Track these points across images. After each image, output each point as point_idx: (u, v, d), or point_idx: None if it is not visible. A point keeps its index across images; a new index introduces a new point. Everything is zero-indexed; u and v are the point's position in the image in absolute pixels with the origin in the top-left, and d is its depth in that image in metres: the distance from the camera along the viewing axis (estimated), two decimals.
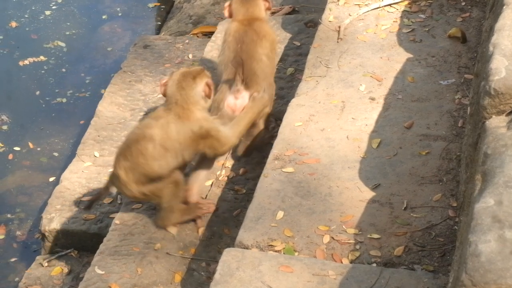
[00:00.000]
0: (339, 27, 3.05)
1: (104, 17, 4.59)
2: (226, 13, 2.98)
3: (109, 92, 3.74)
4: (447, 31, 3.01)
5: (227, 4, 2.98)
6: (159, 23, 4.56)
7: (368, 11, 3.11)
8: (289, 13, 3.66)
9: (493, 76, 2.10)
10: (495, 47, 2.19)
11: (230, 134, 2.64)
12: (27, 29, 4.51)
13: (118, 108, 3.68)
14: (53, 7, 4.64)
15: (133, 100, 3.71)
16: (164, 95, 2.70)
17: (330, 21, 3.10)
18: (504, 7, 2.32)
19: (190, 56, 3.88)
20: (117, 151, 2.73)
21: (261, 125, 2.91)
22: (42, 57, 4.32)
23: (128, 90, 3.76)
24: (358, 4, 3.15)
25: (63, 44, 4.41)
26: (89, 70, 4.27)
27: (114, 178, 2.72)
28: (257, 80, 2.79)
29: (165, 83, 2.70)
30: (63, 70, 4.26)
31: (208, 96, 2.64)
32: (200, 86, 2.63)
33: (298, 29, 3.52)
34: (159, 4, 4.70)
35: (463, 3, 3.13)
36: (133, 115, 3.64)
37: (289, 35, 3.47)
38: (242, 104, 2.79)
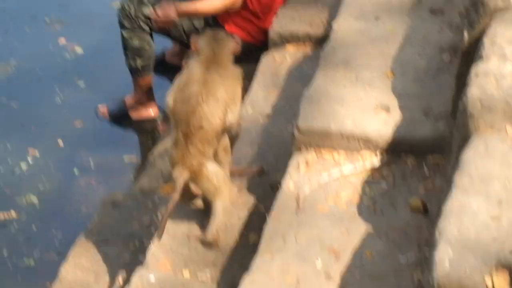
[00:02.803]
0: (298, 196, 2.93)
1: (79, 170, 4.50)
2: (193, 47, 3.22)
3: (73, 254, 3.61)
4: (409, 201, 2.88)
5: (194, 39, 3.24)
6: (134, 177, 4.47)
7: (329, 180, 2.99)
8: (257, 174, 3.54)
9: (437, 269, 1.96)
10: (440, 234, 2.06)
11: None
12: (0, 182, 4.41)
13: (82, 271, 3.54)
14: (29, 161, 4.56)
15: (98, 263, 3.57)
16: (196, 51, 3.10)
17: (290, 189, 2.98)
18: (454, 189, 2.20)
19: (159, 215, 3.74)
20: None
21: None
22: (13, 213, 4.21)
23: (93, 252, 3.63)
24: (319, 171, 3.03)
25: (35, 200, 4.31)
26: (61, 228, 4.14)
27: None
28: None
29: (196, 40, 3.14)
30: (33, 228, 4.14)
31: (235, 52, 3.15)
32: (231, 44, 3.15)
33: (263, 192, 3.38)
34: (135, 158, 4.62)
35: (426, 170, 3.01)
36: (95, 278, 3.50)
37: (252, 200, 3.34)
38: None
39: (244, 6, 4.49)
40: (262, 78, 4.17)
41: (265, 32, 4.46)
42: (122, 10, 4.58)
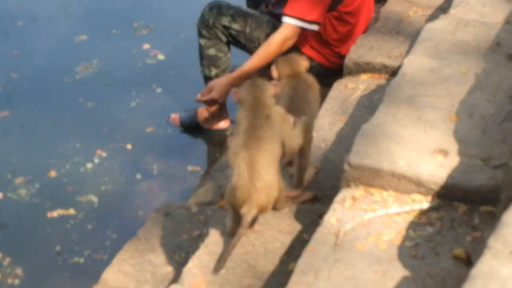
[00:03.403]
0: (339, 231, 2.84)
1: (142, 175, 4.51)
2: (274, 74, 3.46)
3: (118, 259, 3.61)
4: (454, 249, 2.76)
5: (273, 67, 3.50)
6: (194, 188, 4.45)
7: (373, 217, 2.89)
8: (310, 201, 3.47)
9: None
10: None
11: (296, 130, 3.18)
12: (64, 179, 4.45)
13: (124, 277, 3.52)
14: (95, 161, 4.59)
15: (141, 271, 3.56)
16: (239, 101, 3.13)
17: (331, 223, 2.89)
18: (486, 252, 2.08)
19: (210, 231, 3.71)
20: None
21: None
22: (71, 210, 4.24)
23: (139, 259, 3.61)
24: (365, 208, 2.94)
25: (95, 199, 4.33)
26: (115, 230, 4.15)
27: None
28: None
29: (237, 91, 3.14)
30: (89, 226, 4.16)
31: (276, 95, 3.15)
32: (271, 88, 3.15)
33: (311, 221, 3.31)
34: (198, 169, 4.60)
35: (477, 221, 2.88)
36: (136, 286, 3.48)
37: (299, 227, 3.27)
38: None
39: (319, 33, 4.42)
40: (331, 104, 4.10)
41: (342, 57, 4.39)
42: (202, 19, 4.58)
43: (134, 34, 5.65)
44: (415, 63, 3.49)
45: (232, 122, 4.80)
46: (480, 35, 3.64)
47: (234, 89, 3.28)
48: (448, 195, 2.93)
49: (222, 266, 3.06)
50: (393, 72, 4.10)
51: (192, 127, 4.83)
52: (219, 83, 4.43)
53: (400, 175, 2.95)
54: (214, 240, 3.25)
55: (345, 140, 3.80)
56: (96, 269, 3.86)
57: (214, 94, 4.41)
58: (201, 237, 3.66)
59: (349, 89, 4.17)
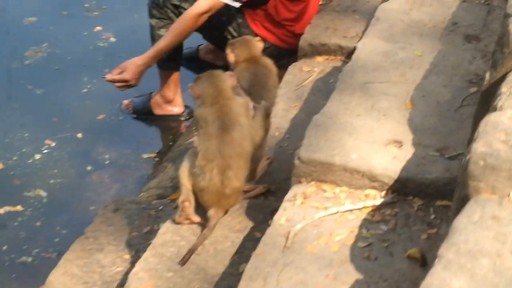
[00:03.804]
0: (289, 232, 2.68)
1: (93, 166, 4.32)
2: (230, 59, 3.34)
3: (65, 260, 3.43)
4: (408, 249, 2.61)
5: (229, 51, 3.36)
6: (147, 177, 4.27)
7: (325, 215, 2.74)
8: (262, 195, 3.30)
9: None
10: None
11: (258, 122, 3.09)
12: (11, 173, 4.26)
13: (71, 279, 3.35)
14: (44, 151, 4.39)
15: (89, 272, 3.39)
16: (198, 96, 3.00)
17: (281, 224, 2.73)
18: (436, 263, 1.93)
19: (161, 226, 3.54)
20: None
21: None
22: (19, 207, 4.06)
23: (86, 260, 3.44)
24: (316, 206, 2.78)
25: (44, 194, 4.14)
26: (65, 226, 3.97)
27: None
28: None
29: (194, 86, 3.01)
30: (37, 223, 3.98)
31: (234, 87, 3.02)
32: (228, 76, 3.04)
33: (263, 217, 3.15)
34: (154, 155, 4.42)
35: (433, 216, 2.73)
36: None
37: (251, 224, 3.11)
38: None
39: (271, 13, 4.24)
40: (285, 89, 3.93)
41: (298, 37, 4.21)
42: None
43: (85, 15, 5.42)
44: (369, 47, 3.33)
45: (187, 107, 4.61)
46: (436, 14, 3.47)
47: (190, 84, 3.09)
48: (403, 189, 2.78)
49: (184, 262, 2.94)
50: (349, 53, 3.92)
51: (145, 113, 4.64)
52: (133, 63, 4.21)
53: (352, 170, 2.80)
54: (161, 240, 3.09)
55: (300, 128, 3.62)
56: (44, 269, 3.66)
57: (126, 75, 4.19)
58: (152, 233, 3.49)
59: (304, 73, 4.00)
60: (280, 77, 4.01)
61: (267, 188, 3.30)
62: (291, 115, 3.77)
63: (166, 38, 4.16)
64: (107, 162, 4.35)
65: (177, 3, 4.31)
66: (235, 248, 3.02)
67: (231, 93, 3.02)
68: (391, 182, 2.77)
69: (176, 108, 4.61)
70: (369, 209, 2.75)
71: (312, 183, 2.84)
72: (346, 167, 2.79)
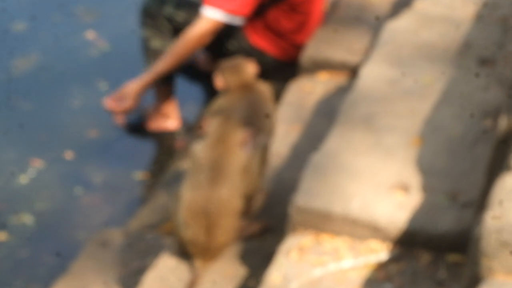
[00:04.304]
0: None
1: (84, 188, 4.04)
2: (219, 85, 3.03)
3: None
4: None
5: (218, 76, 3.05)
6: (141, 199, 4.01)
7: (323, 273, 2.46)
8: (259, 233, 3.03)
9: None
10: None
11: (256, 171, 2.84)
12: None
13: None
14: (30, 172, 4.12)
15: None
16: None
17: (274, 281, 2.46)
18: None
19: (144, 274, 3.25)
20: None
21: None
22: (3, 235, 3.79)
23: None
24: (314, 262, 2.49)
25: (30, 219, 3.88)
26: (52, 256, 3.71)
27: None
28: None
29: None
30: (22, 253, 3.72)
31: (244, 143, 2.76)
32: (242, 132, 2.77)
33: (260, 262, 2.86)
34: (148, 176, 4.14)
35: (443, 274, 2.45)
36: None
37: (245, 271, 2.84)
38: None
39: (272, 24, 3.95)
40: (285, 110, 3.64)
41: (300, 48, 3.92)
42: (144, 7, 4.09)
43: (76, 21, 5.13)
44: (373, 73, 3.04)
45: (184, 121, 4.34)
46: (448, 35, 3.17)
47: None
48: (409, 241, 2.50)
49: None
50: (354, 69, 3.64)
51: (139, 129, 4.36)
52: (131, 89, 3.96)
53: (354, 220, 2.52)
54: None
55: (300, 154, 3.36)
56: None
57: (127, 103, 3.96)
58: (141, 272, 3.23)
59: (306, 93, 3.71)
60: (278, 91, 3.74)
61: (265, 226, 3.03)
62: (291, 139, 3.49)
63: (166, 61, 3.89)
64: (97, 183, 4.08)
65: (169, 16, 4.02)
66: None
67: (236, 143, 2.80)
68: (396, 234, 2.50)
69: (172, 123, 4.33)
70: (372, 266, 2.47)
71: (310, 231, 2.57)
72: (346, 217, 2.52)
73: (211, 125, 2.84)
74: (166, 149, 4.31)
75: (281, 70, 4.02)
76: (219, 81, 3.09)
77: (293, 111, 3.63)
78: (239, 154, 2.75)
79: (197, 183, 2.71)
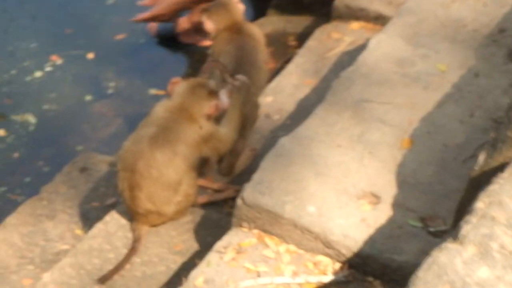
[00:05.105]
0: None
1: (96, 94, 3.76)
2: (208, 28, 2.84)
3: (7, 224, 2.96)
4: None
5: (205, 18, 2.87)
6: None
7: (253, 285, 2.12)
8: (231, 199, 2.70)
9: None
10: None
11: (228, 130, 2.52)
12: (4, 89, 3.75)
13: (8, 249, 2.88)
14: (47, 69, 3.86)
15: (30, 244, 2.91)
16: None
17: (195, 286, 2.14)
18: None
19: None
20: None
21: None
22: (2, 131, 3.57)
23: (32, 228, 2.96)
24: (247, 269, 2.16)
25: (33, 120, 3.64)
26: (44, 164, 3.48)
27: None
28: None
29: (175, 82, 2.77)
30: (16, 155, 3.49)
31: (210, 116, 2.48)
32: (211, 103, 2.47)
33: (212, 239, 2.51)
34: (163, 93, 3.82)
35: None
36: (19, 265, 2.84)
37: (196, 246, 2.53)
38: None
39: None
40: (304, 59, 3.23)
41: None
42: None
43: None
44: (383, 48, 2.59)
45: None
46: (484, 13, 2.67)
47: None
48: (363, 266, 2.13)
49: (107, 279, 2.47)
50: None
51: (169, 38, 4.02)
52: None
53: (304, 228, 2.16)
54: (87, 247, 2.56)
55: (306, 114, 2.96)
56: (2, 213, 3.21)
57: (157, 9, 3.72)
58: (114, 207, 2.95)
59: (332, 40, 3.27)
60: (300, 23, 3.35)
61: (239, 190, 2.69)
62: (300, 95, 3.10)
63: None
64: (111, 91, 3.79)
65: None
66: (168, 276, 2.46)
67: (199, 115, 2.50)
68: (349, 255, 2.13)
69: (204, 40, 3.95)
70: (313, 285, 2.12)
71: (255, 231, 2.22)
72: (296, 224, 2.16)
73: (179, 87, 2.50)
74: (192, 65, 3.95)
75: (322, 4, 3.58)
76: (208, 24, 2.88)
77: (312, 60, 3.22)
78: (197, 126, 2.40)
79: (139, 137, 2.43)
